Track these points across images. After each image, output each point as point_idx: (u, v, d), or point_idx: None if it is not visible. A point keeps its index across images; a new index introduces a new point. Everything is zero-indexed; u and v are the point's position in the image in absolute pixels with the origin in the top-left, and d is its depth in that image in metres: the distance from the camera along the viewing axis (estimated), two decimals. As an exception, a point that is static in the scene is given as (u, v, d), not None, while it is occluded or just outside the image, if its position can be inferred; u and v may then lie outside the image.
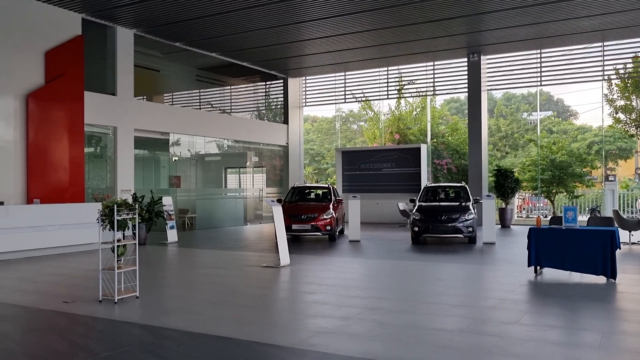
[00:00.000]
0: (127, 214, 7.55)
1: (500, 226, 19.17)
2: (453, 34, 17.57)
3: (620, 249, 9.28)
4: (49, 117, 14.32)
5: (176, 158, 20.12)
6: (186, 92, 21.74)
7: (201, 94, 21.98)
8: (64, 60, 14.68)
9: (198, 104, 21.73)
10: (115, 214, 7.31)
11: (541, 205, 24.33)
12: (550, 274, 9.44)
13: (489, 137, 23.51)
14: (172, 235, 15.03)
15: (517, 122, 36.11)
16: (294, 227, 14.61)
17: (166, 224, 15.03)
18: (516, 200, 22.47)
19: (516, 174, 20.75)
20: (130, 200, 14.46)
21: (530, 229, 9.37)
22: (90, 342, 5.76)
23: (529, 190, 22.62)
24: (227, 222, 20.78)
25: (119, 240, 7.51)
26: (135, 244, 7.82)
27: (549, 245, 9.12)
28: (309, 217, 14.72)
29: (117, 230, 7.41)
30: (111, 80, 16.66)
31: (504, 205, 19.71)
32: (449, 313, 6.83)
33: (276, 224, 10.61)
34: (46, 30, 14.40)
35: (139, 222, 14.10)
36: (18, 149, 13.71)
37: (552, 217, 10.35)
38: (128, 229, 7.58)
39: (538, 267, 9.46)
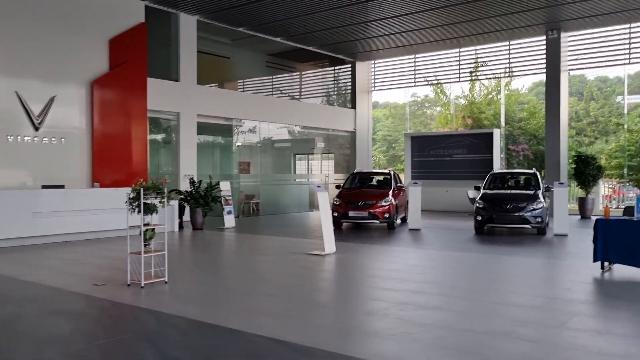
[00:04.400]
0: (155, 198, 7.40)
1: (580, 217, 17.74)
2: (530, 8, 16.25)
3: None
4: (113, 104, 14.63)
5: (239, 144, 20.13)
6: (257, 78, 21.74)
7: (271, 80, 21.90)
8: (128, 47, 14.92)
9: (270, 90, 21.67)
10: (142, 197, 7.17)
11: (632, 194, 22.31)
12: (621, 271, 8.38)
13: (575, 122, 21.86)
14: (229, 220, 14.99)
15: (610, 106, 33.39)
16: (351, 214, 14.15)
17: (223, 209, 15.01)
18: (601, 189, 20.69)
19: (603, 161, 19.08)
20: (188, 185, 14.59)
21: (596, 220, 8.39)
22: (96, 327, 5.64)
23: (615, 178, 20.78)
24: (292, 209, 20.61)
25: (146, 224, 7.38)
26: (163, 227, 7.68)
27: (618, 239, 8.09)
28: (366, 204, 14.17)
29: (145, 214, 7.29)
30: (174, 67, 16.83)
31: (584, 195, 18.20)
32: (483, 311, 6.14)
33: (320, 210, 10.20)
34: (110, 18, 14.68)
35: (194, 207, 14.27)
36: (84, 135, 14.11)
37: (625, 208, 9.23)
38: (156, 212, 7.44)
39: (606, 263, 8.45)
